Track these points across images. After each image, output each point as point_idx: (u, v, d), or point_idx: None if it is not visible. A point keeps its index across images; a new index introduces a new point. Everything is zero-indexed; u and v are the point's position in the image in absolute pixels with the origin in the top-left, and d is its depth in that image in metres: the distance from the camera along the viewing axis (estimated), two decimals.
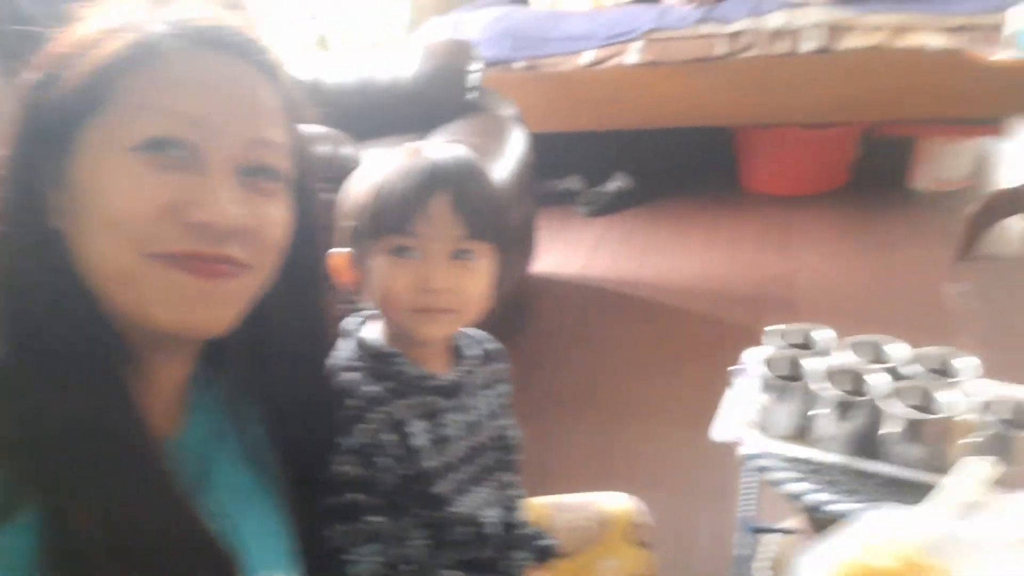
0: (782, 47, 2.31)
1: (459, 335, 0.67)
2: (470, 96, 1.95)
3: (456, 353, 0.66)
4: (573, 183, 2.81)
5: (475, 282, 0.59)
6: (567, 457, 1.47)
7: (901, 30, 2.20)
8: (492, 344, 0.70)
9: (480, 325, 0.68)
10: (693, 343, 1.83)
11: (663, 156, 2.88)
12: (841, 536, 0.51)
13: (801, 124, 2.50)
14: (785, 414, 0.97)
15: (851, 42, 2.25)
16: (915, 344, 1.01)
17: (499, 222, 0.60)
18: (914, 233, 2.31)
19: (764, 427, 0.98)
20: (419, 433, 0.58)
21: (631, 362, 1.80)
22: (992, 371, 0.95)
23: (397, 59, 1.97)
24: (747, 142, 2.71)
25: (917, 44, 2.19)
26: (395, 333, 0.61)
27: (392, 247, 0.57)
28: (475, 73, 1.96)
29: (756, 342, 1.04)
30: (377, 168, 0.59)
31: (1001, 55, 1.80)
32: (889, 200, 2.57)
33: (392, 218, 0.56)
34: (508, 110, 2.01)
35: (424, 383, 0.60)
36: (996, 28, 1.98)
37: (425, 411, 0.59)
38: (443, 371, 0.63)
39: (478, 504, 0.61)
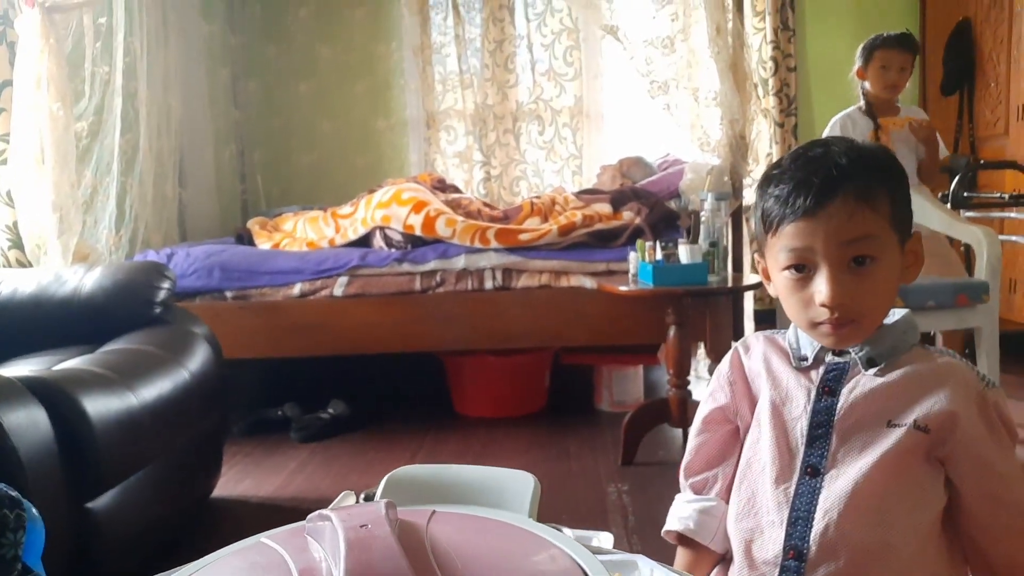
0: (469, 284, 2.66)
1: None
2: (156, 311, 1.99)
3: None
4: (289, 410, 2.83)
5: None
6: None
7: (561, 273, 2.64)
8: None
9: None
10: None
11: (381, 382, 3.03)
12: None
13: (495, 351, 2.79)
14: None
15: (523, 282, 2.65)
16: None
17: None
18: (594, 446, 2.57)
19: None
20: None
21: None
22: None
23: (82, 274, 1.99)
24: (455, 369, 2.95)
25: (575, 284, 2.62)
26: None
27: None
28: (164, 290, 2.02)
29: None
30: None
31: (623, 287, 2.22)
32: (578, 420, 2.87)
33: None
34: (199, 329, 2.06)
35: None
36: (626, 272, 2.47)
37: None
38: None
39: None
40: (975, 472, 0.78)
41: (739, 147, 2.49)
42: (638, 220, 2.61)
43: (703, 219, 2.20)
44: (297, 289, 2.67)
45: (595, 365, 2.96)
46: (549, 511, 1.39)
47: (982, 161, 3.24)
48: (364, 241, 2.86)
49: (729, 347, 2.57)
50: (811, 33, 3.95)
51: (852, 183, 0.80)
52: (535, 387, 2.99)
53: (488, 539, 0.51)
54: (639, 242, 2.34)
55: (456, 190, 3.37)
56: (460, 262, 2.65)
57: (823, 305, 0.80)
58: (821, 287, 0.80)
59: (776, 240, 0.85)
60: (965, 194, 3.04)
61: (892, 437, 0.78)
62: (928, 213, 2.55)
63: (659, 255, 2.22)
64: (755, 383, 0.91)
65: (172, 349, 1.87)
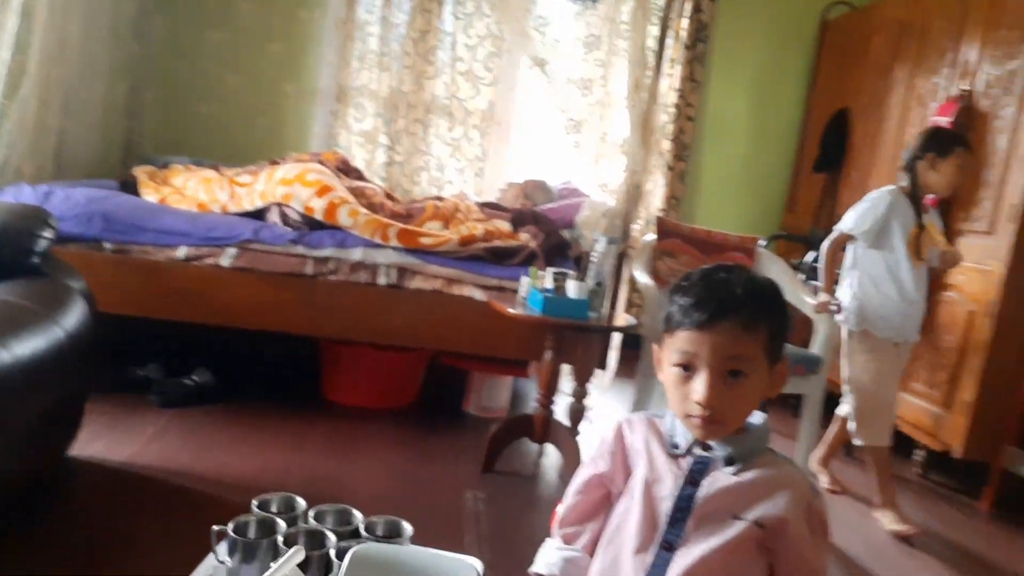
0: (363, 277, 2.69)
1: None
2: (33, 261, 1.89)
3: None
4: (152, 371, 2.75)
5: None
6: None
7: (453, 281, 2.73)
8: None
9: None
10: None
11: (251, 358, 2.99)
12: None
13: (375, 345, 2.84)
14: (251, 572, 1.07)
15: (417, 284, 2.72)
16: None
17: None
18: (457, 449, 2.69)
19: None
20: None
21: (163, 551, 1.73)
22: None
23: None
24: (330, 355, 2.97)
25: (466, 294, 2.72)
26: None
27: None
28: (45, 240, 1.92)
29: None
30: None
31: (513, 309, 2.34)
32: (446, 420, 2.98)
33: None
34: (76, 283, 1.98)
35: None
36: (515, 291, 2.60)
37: None
38: None
39: None
40: (794, 565, 0.96)
41: (635, 195, 2.67)
42: (533, 244, 2.74)
43: (593, 259, 2.36)
44: (182, 252, 2.59)
45: (469, 370, 3.08)
46: (408, 510, 1.49)
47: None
48: (258, 213, 2.82)
49: (593, 373, 2.75)
50: (714, 88, 4.25)
51: (740, 311, 0.95)
52: (408, 383, 3.07)
53: None
54: (532, 269, 2.47)
55: (360, 175, 3.37)
56: (357, 254, 2.67)
57: (698, 403, 0.96)
58: (699, 387, 0.96)
59: (672, 340, 0.99)
60: (808, 264, 3.43)
61: (735, 528, 0.95)
62: (783, 285, 2.86)
63: (549, 283, 2.36)
64: (632, 458, 1.05)
65: (48, 304, 1.79)
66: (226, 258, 2.60)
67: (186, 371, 2.77)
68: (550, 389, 2.44)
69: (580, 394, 2.67)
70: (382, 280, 2.70)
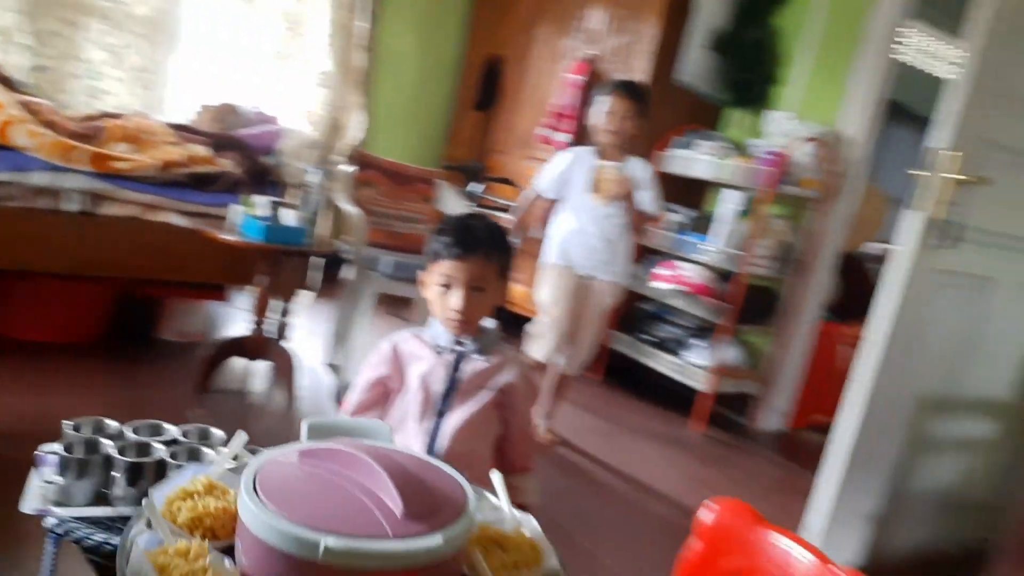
0: (46, 203, 2.51)
1: None
2: None
3: None
4: None
5: None
6: None
7: (152, 207, 2.69)
8: None
9: None
10: None
11: None
12: (173, 481, 0.84)
13: (62, 275, 2.67)
14: (85, 486, 1.20)
15: (111, 210, 2.62)
16: None
17: None
18: (163, 374, 2.74)
19: (66, 499, 1.18)
20: None
21: None
22: None
23: None
24: (5, 288, 2.70)
25: (166, 220, 2.71)
26: None
27: None
28: None
29: None
30: None
31: (227, 236, 2.45)
32: (142, 350, 2.95)
33: None
34: None
35: None
36: (223, 217, 2.68)
37: None
38: None
39: None
40: (518, 415, 1.43)
41: (335, 128, 2.91)
42: (237, 171, 2.82)
43: (308, 188, 2.56)
44: None
45: (163, 297, 3.06)
46: None
47: (489, 176, 4.28)
48: None
49: (297, 293, 2.97)
50: (387, 26, 4.52)
51: (484, 248, 1.36)
52: (94, 315, 2.94)
53: (405, 457, 0.83)
54: (245, 197, 2.58)
55: (9, 83, 2.99)
56: (39, 178, 2.48)
57: (455, 310, 1.35)
58: (455, 300, 1.35)
59: (436, 267, 1.37)
60: (478, 192, 4.04)
61: (485, 395, 1.38)
62: (456, 212, 3.38)
63: (264, 211, 2.51)
64: (406, 361, 1.41)
65: None
66: None
67: None
68: (264, 311, 2.63)
69: (286, 312, 2.89)
70: (70, 206, 2.55)
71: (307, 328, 3.38)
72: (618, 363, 3.74)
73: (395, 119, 4.76)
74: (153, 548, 0.70)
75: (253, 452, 1.19)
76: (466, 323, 1.38)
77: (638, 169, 2.73)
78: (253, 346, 2.69)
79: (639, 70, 3.74)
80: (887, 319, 2.12)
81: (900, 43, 3.42)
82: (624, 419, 3.32)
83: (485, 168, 4.61)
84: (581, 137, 3.95)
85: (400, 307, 3.62)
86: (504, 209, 4.09)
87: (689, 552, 1.29)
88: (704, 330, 3.52)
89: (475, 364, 1.40)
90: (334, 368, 3.06)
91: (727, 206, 3.41)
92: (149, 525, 0.79)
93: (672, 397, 3.61)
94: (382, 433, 0.90)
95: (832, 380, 3.63)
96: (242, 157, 2.87)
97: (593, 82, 3.95)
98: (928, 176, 2.05)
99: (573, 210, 2.75)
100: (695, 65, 3.79)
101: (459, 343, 1.41)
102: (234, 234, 2.52)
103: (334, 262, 3.22)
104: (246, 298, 3.30)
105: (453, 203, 3.37)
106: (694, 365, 3.41)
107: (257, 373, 2.87)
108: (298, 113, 2.88)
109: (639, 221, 2.75)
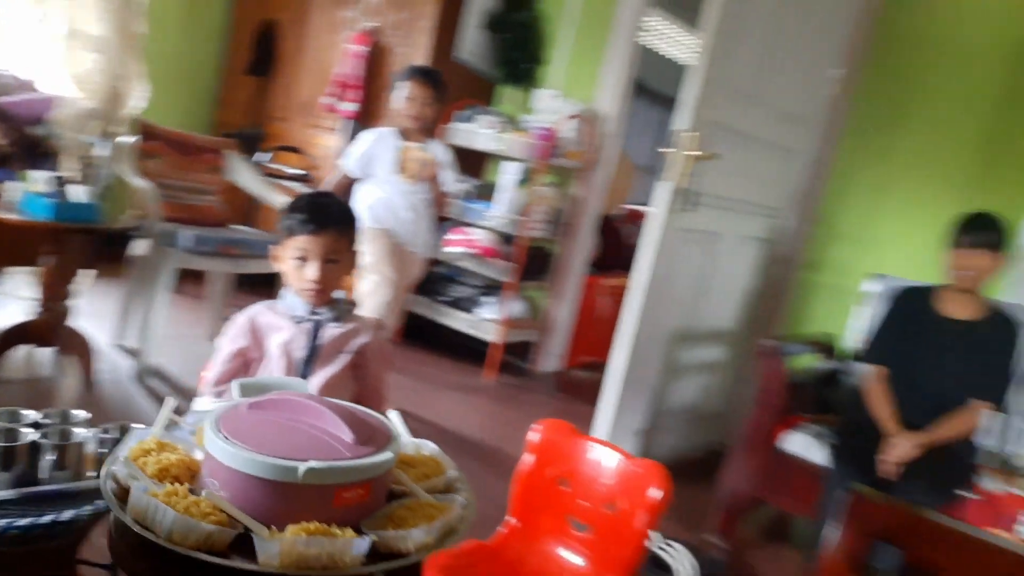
0: None
1: None
2: None
3: None
4: None
5: None
6: None
7: None
8: None
9: None
10: None
11: None
12: (128, 440, 0.95)
13: None
14: None
15: None
16: None
17: None
18: None
19: None
20: None
21: None
22: None
23: None
24: None
25: None
26: None
27: None
28: None
29: None
30: None
31: (10, 216, 2.28)
32: None
33: None
34: None
35: None
36: None
37: None
38: None
39: None
40: (371, 373, 1.62)
41: (116, 98, 2.79)
42: (4, 143, 2.58)
43: (94, 161, 2.45)
44: None
45: None
46: None
47: (275, 145, 4.25)
48: None
49: (82, 271, 2.83)
50: None
51: (335, 224, 1.53)
52: None
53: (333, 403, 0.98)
54: (24, 172, 2.40)
55: None
56: None
57: (311, 281, 1.51)
58: (311, 272, 1.51)
59: (292, 241, 1.52)
60: (264, 161, 4.00)
61: (343, 358, 1.56)
62: (249, 183, 3.38)
63: (46, 187, 2.36)
64: (264, 332, 1.54)
65: None
66: None
67: None
68: (57, 293, 2.49)
69: (71, 293, 2.73)
70: None
71: (93, 309, 3.19)
72: (415, 324, 4.00)
73: (160, 83, 4.48)
74: (143, 493, 0.82)
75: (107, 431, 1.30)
76: (322, 292, 1.54)
77: (439, 151, 2.93)
78: (40, 331, 2.55)
79: (421, 46, 3.95)
80: (646, 270, 2.60)
81: (644, 30, 3.99)
82: (427, 375, 3.59)
83: (265, 135, 4.55)
84: (367, 106, 4.08)
85: (193, 285, 3.54)
86: (293, 178, 4.12)
87: (523, 466, 1.61)
88: (493, 288, 3.89)
89: (332, 330, 1.57)
90: (129, 350, 2.95)
91: (507, 176, 3.78)
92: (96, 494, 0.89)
93: (467, 351, 3.96)
94: (302, 388, 1.07)
95: (595, 325, 4.22)
96: (6, 128, 2.63)
97: (376, 53, 4.09)
98: (674, 153, 2.54)
99: (379, 186, 2.88)
100: (472, 43, 4.08)
101: (315, 312, 1.56)
102: (13, 212, 2.35)
103: (117, 239, 3.06)
104: (17, 281, 3.03)
105: (244, 174, 3.35)
106: (486, 320, 3.77)
107: (44, 359, 2.69)
108: (62, 79, 2.69)
109: (441, 199, 2.95)
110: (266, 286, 3.86)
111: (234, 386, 1.01)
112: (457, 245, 3.81)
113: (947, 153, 3.08)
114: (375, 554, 0.84)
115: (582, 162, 3.90)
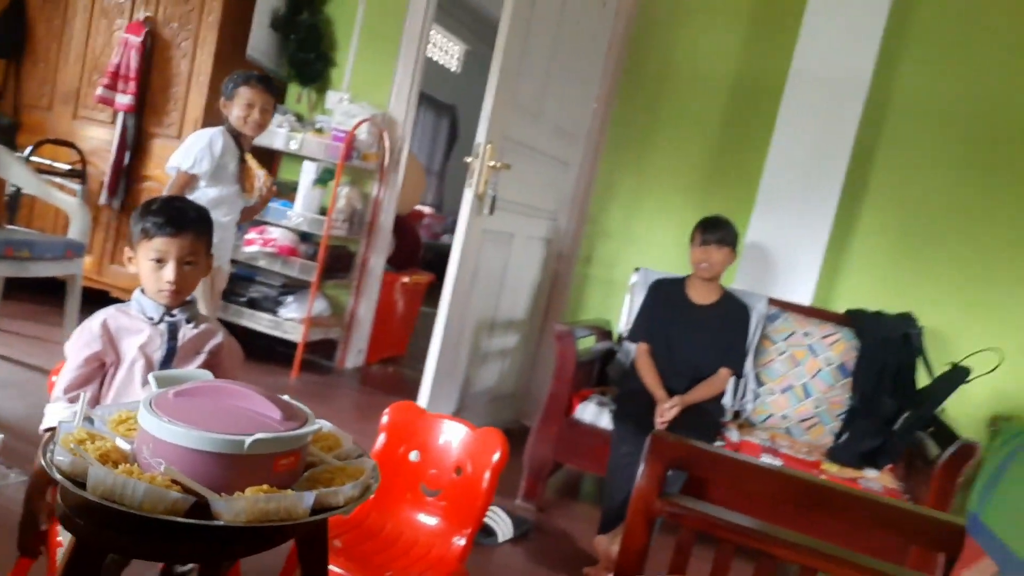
0: None
1: None
2: None
3: None
4: None
5: None
6: None
7: None
8: None
9: None
10: None
11: None
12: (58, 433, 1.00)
13: None
14: None
15: None
16: None
17: None
18: None
19: None
20: None
21: None
22: None
23: None
24: None
25: None
26: None
27: None
28: None
29: None
30: None
31: None
32: None
33: None
34: None
35: None
36: None
37: None
38: None
39: None
40: (226, 373, 1.68)
41: None
42: None
43: None
44: None
45: None
46: None
47: (37, 138, 3.88)
48: None
49: None
50: None
51: (193, 226, 1.59)
52: None
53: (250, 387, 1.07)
54: None
55: None
56: None
57: (169, 282, 1.56)
58: (169, 274, 1.56)
59: (148, 244, 1.55)
60: (25, 156, 3.65)
61: (200, 358, 1.62)
62: (25, 181, 3.11)
63: None
64: (119, 336, 1.55)
65: None
66: None
67: None
68: None
69: None
70: None
71: None
72: None
73: None
74: (108, 472, 0.90)
75: None
76: (178, 294, 1.59)
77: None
78: None
79: (208, 41, 3.85)
80: (455, 267, 2.87)
81: (430, 43, 4.25)
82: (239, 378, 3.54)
83: (18, 125, 4.13)
84: (143, 100, 3.89)
85: None
86: (62, 174, 3.81)
87: (378, 447, 1.79)
88: (294, 287, 3.92)
89: (187, 331, 1.62)
90: None
91: (307, 176, 3.84)
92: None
93: (271, 352, 3.94)
94: (207, 379, 1.18)
95: (393, 321, 4.42)
96: None
97: (154, 46, 3.91)
98: (475, 161, 2.83)
99: (221, 201, 2.67)
100: (261, 42, 4.05)
101: (171, 314, 1.61)
102: None
103: None
104: None
105: (16, 170, 3.08)
106: (288, 320, 3.80)
107: None
108: None
109: (252, 213, 2.91)
110: (49, 293, 3.50)
111: (151, 379, 1.09)
112: (255, 244, 3.79)
113: (685, 166, 3.73)
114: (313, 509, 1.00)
115: (378, 164, 4.07)
